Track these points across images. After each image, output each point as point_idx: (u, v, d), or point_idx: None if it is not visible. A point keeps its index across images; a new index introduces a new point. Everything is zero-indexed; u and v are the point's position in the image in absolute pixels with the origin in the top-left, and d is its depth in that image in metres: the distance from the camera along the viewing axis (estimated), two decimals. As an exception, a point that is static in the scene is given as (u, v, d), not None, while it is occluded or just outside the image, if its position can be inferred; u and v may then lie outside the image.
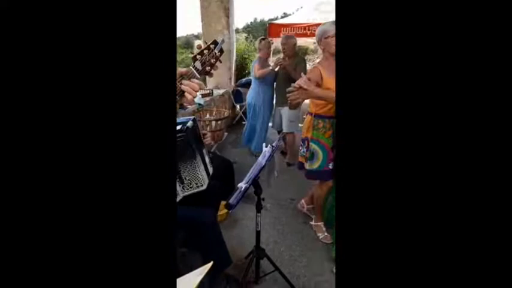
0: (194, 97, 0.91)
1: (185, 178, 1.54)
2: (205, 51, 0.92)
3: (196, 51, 0.93)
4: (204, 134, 1.73)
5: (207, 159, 1.69)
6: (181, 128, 1.50)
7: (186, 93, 0.89)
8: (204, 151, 1.70)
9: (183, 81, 0.88)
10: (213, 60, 0.93)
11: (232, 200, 1.32)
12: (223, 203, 1.93)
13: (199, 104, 3.50)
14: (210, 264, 0.55)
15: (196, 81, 0.89)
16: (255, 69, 3.02)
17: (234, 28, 4.74)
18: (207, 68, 0.93)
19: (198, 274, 0.53)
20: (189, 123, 1.55)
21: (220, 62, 0.97)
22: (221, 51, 0.94)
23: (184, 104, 0.95)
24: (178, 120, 1.70)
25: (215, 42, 0.93)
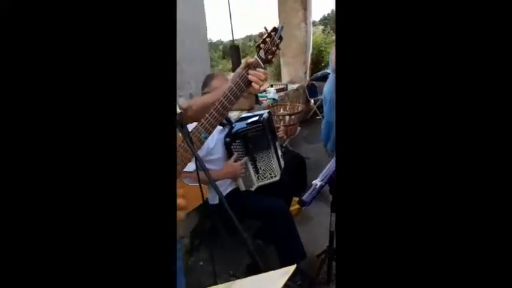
0: (260, 86, 0.89)
1: (260, 168, 1.56)
2: (268, 39, 0.89)
3: (258, 39, 0.90)
4: (277, 128, 1.73)
5: (279, 152, 1.69)
6: (258, 119, 1.51)
7: (253, 83, 0.87)
8: (277, 144, 1.69)
9: (250, 71, 0.87)
10: (274, 48, 0.90)
11: (306, 197, 1.27)
12: (295, 198, 1.91)
13: (273, 99, 3.52)
14: (294, 267, 0.51)
15: (261, 70, 0.88)
16: (333, 60, 2.88)
17: (311, 21, 4.61)
18: (269, 57, 0.90)
19: (283, 274, 0.49)
20: (265, 115, 1.56)
21: (279, 50, 0.93)
22: (280, 38, 0.90)
23: (251, 92, 0.94)
24: (255, 112, 1.73)
25: (275, 29, 0.90)
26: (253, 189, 1.58)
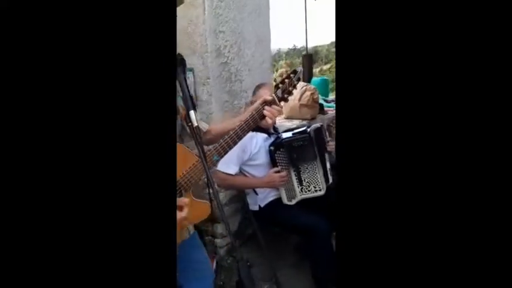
0: (274, 123, 1.02)
1: (304, 180, 1.53)
2: (286, 80, 0.97)
3: (278, 78, 1.00)
4: (329, 142, 1.67)
5: (328, 165, 1.63)
6: (305, 129, 1.50)
7: (266, 118, 0.96)
8: (327, 156, 1.64)
9: (266, 107, 0.96)
10: (290, 88, 0.97)
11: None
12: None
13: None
14: None
15: (276, 107, 0.97)
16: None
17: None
18: (285, 96, 0.98)
19: None
20: (313, 127, 1.53)
21: (296, 89, 1.00)
22: (298, 79, 0.98)
23: (263, 126, 1.08)
24: (304, 125, 1.71)
25: (294, 72, 0.98)
26: (295, 201, 1.56)
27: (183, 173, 0.86)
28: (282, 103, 0.99)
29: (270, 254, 1.80)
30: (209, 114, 1.69)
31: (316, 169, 1.51)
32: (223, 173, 1.50)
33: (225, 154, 0.94)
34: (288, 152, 1.48)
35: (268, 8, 1.96)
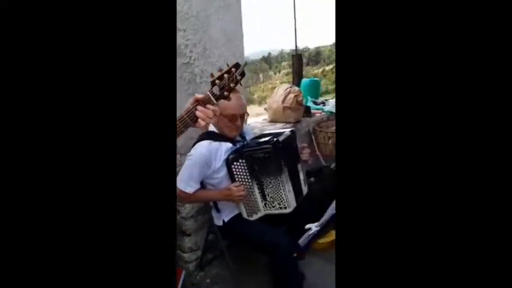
0: (208, 124, 0.84)
1: (268, 195, 1.38)
2: (225, 75, 0.84)
3: (217, 74, 0.86)
4: (302, 149, 1.51)
5: (301, 177, 1.47)
6: (269, 139, 1.34)
7: (199, 120, 0.82)
8: (299, 167, 1.48)
9: (198, 107, 0.83)
10: (232, 85, 0.85)
11: (301, 241, 1.05)
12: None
13: (331, 112, 3.22)
14: None
15: (211, 107, 0.83)
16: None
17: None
18: (225, 93, 0.85)
19: None
20: (282, 136, 1.37)
21: (241, 85, 0.88)
22: (242, 74, 0.85)
23: (197, 127, 0.93)
24: (274, 131, 1.55)
25: (237, 65, 0.85)
26: (257, 216, 1.41)
27: None
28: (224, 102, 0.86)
29: (239, 271, 1.66)
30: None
31: (281, 184, 1.34)
32: (181, 190, 1.36)
33: None
34: (248, 164, 1.33)
35: (239, 4, 1.81)
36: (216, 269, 1.84)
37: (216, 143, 1.38)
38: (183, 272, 1.72)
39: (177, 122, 0.81)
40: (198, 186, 1.38)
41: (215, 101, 0.83)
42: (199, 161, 1.34)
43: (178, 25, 1.47)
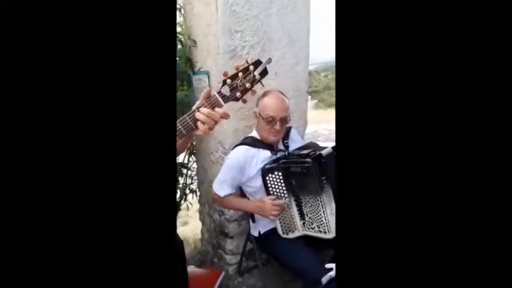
0: (210, 129, 0.73)
1: (306, 214, 1.23)
2: (240, 74, 0.73)
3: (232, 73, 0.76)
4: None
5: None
6: (310, 152, 1.18)
7: (198, 123, 0.72)
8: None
9: (201, 109, 0.73)
10: (248, 85, 0.73)
11: (325, 279, 0.88)
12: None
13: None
14: None
15: (219, 110, 0.73)
16: None
17: None
18: (238, 95, 0.74)
19: None
20: (325, 151, 1.19)
21: (262, 85, 0.76)
22: (263, 73, 0.73)
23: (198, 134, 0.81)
24: (318, 145, 1.37)
25: (257, 63, 0.74)
26: (294, 235, 1.27)
27: None
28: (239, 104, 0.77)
29: (276, 284, 1.55)
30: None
31: (320, 205, 1.17)
32: (214, 192, 1.34)
33: None
34: (285, 177, 1.20)
35: (307, 3, 1.67)
36: (254, 279, 1.77)
37: (253, 150, 1.30)
38: (222, 273, 1.71)
39: (179, 126, 0.74)
40: (231, 190, 1.33)
41: (223, 103, 0.74)
42: (233, 166, 1.29)
43: (236, 27, 1.45)
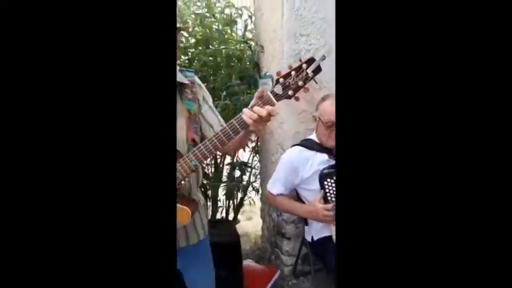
0: (260, 125, 0.77)
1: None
2: (293, 72, 0.75)
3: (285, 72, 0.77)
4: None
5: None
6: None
7: (244, 117, 0.76)
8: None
9: (254, 108, 0.76)
10: (300, 83, 0.75)
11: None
12: None
13: None
14: None
15: (269, 107, 0.75)
16: None
17: None
18: (290, 93, 0.76)
19: None
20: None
21: (316, 83, 0.76)
22: (317, 70, 0.73)
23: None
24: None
25: (310, 61, 0.74)
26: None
27: None
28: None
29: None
30: (280, 124, 1.59)
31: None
32: (268, 191, 1.38)
33: (204, 159, 0.87)
34: (341, 184, 1.17)
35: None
36: (309, 283, 1.75)
37: (308, 152, 1.30)
38: (278, 272, 1.75)
39: (233, 121, 0.80)
40: (284, 190, 1.34)
41: (275, 102, 0.77)
42: (286, 165, 1.31)
43: (301, 31, 1.46)
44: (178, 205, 0.88)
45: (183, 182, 0.88)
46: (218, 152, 1.04)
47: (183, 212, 0.89)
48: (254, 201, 2.19)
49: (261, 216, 2.16)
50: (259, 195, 2.12)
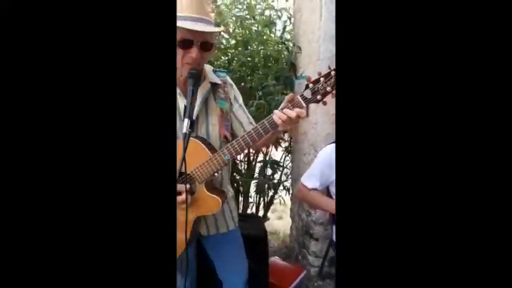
0: (288, 125, 0.83)
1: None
2: (322, 79, 0.80)
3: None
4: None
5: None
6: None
7: (274, 117, 0.82)
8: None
9: (284, 110, 0.82)
10: (328, 88, 0.79)
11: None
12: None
13: None
14: None
15: (298, 110, 0.81)
16: None
17: None
18: (318, 97, 0.81)
19: None
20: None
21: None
22: None
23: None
24: None
25: None
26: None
27: (196, 167, 0.93)
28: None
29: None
30: (314, 124, 1.60)
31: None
32: (301, 183, 1.40)
33: (236, 155, 0.93)
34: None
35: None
36: (334, 286, 1.74)
37: None
38: (304, 272, 1.76)
39: (265, 121, 0.86)
40: (319, 185, 1.35)
41: (304, 105, 0.82)
42: (323, 161, 1.32)
43: (339, 32, 1.46)
44: (210, 194, 0.95)
45: (216, 174, 0.95)
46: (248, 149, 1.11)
47: (214, 201, 0.95)
48: (284, 201, 2.22)
49: (291, 216, 2.18)
50: (290, 195, 2.14)
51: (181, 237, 0.91)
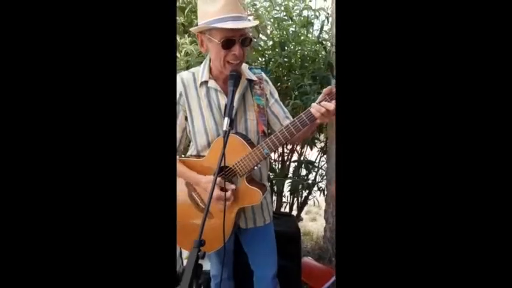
0: (326, 118, 0.84)
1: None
2: None
3: None
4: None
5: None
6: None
7: (312, 110, 0.84)
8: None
9: (322, 103, 0.84)
10: None
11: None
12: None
13: None
14: None
15: (332, 103, 0.82)
16: None
17: None
18: None
19: None
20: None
21: None
22: None
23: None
24: None
25: None
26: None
27: (237, 161, 0.97)
28: None
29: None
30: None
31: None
32: None
33: (275, 148, 0.96)
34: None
35: None
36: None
37: None
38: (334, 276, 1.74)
39: (302, 115, 0.88)
40: None
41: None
42: None
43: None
44: (251, 187, 0.99)
45: (255, 168, 0.99)
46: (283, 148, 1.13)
47: (255, 193, 0.99)
48: (318, 202, 2.20)
49: (325, 217, 2.16)
50: (325, 196, 2.12)
51: (224, 227, 0.95)
